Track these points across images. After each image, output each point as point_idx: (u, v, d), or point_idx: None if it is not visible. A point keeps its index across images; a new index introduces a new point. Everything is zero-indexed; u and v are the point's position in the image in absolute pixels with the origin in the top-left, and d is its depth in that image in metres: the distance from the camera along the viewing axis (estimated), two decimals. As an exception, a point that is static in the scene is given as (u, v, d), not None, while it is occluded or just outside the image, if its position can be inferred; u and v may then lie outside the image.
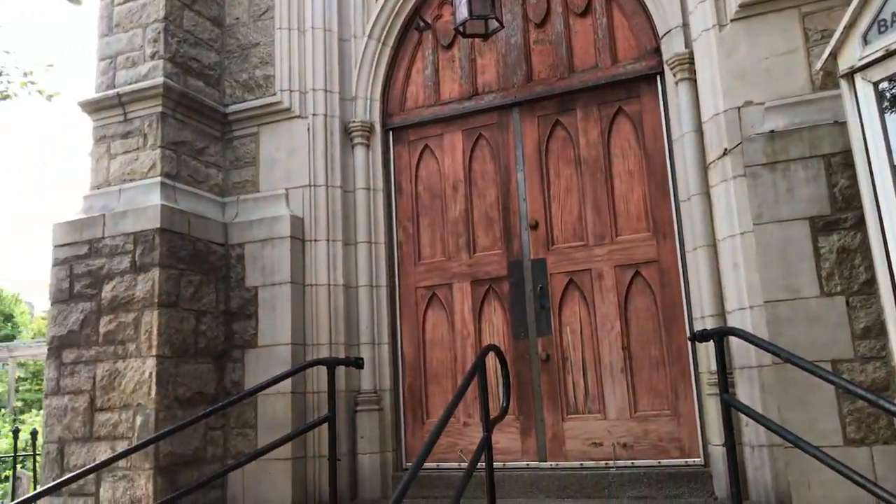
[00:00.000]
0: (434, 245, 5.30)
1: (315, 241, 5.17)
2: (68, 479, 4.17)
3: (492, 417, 3.74)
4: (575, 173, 4.92)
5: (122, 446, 4.48)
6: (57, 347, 4.83)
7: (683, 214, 4.48)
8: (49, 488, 4.19)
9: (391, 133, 5.52)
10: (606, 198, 4.80)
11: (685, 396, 4.42)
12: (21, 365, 21.16)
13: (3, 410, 15.65)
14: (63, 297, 4.89)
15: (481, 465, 3.58)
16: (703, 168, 4.35)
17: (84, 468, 4.25)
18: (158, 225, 4.66)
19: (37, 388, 24.79)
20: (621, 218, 4.76)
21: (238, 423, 4.94)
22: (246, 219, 5.24)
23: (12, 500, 7.50)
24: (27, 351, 17.38)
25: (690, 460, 4.36)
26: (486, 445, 3.62)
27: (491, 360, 4.29)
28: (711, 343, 3.75)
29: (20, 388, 22.00)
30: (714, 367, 3.78)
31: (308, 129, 5.27)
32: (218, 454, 4.87)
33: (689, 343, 4.41)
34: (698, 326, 4.21)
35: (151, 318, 4.58)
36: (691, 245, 4.39)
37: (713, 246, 4.26)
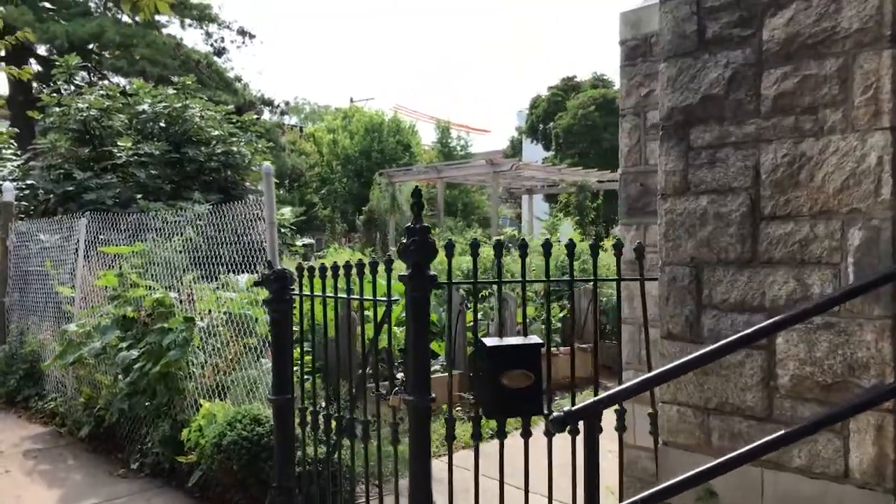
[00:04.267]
0: None
1: None
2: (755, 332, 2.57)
3: None
4: None
5: (817, 276, 2.76)
6: (679, 124, 3.19)
7: None
8: (726, 346, 2.62)
9: None
10: None
11: None
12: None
13: (437, 230, 16.18)
14: (686, 46, 3.17)
15: None
16: None
17: (766, 324, 2.63)
18: None
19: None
20: None
21: None
22: None
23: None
24: (452, 172, 17.60)
25: None
26: None
27: None
28: None
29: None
30: None
31: None
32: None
33: None
34: None
35: (877, 65, 2.63)
36: None
37: None
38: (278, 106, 29.37)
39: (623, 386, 2.54)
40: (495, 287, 3.67)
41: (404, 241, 3.20)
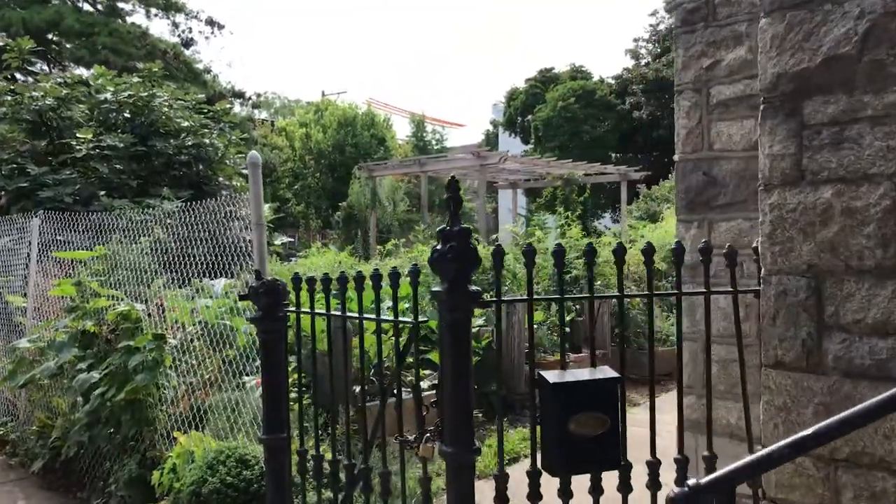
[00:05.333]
0: None
1: None
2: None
3: None
4: None
5: None
6: (789, 96, 2.50)
7: None
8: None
9: None
10: None
11: None
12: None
13: (422, 226, 15.42)
14: (799, -5, 2.49)
15: None
16: None
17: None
18: None
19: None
20: None
21: None
22: None
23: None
24: (435, 165, 16.86)
25: None
26: None
27: None
28: None
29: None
30: None
31: None
32: None
33: None
34: None
35: None
36: None
37: None
38: (249, 98, 28.34)
39: (769, 450, 1.83)
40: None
41: (437, 247, 2.48)
